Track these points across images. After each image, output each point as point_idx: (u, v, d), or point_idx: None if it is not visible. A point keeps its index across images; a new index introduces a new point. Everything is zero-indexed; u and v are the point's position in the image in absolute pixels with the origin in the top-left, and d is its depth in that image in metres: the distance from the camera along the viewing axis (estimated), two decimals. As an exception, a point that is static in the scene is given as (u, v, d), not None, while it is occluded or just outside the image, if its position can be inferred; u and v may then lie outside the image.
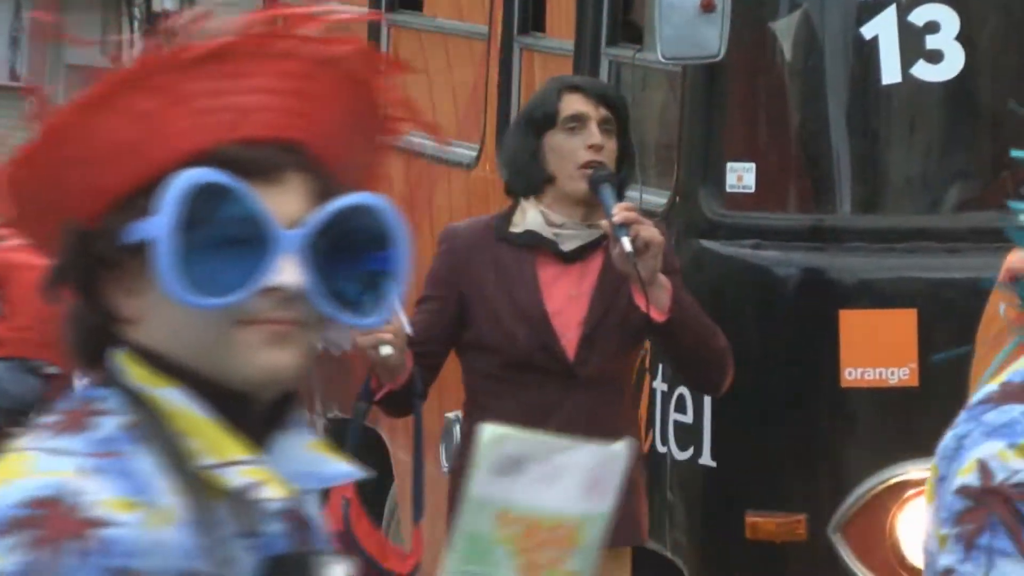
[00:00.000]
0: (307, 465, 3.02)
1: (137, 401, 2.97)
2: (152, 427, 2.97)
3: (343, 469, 3.04)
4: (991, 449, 3.11)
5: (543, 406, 6.95)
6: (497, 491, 2.93)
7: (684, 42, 7.47)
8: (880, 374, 7.32)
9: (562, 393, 7.01)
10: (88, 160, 2.95)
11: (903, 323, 7.38)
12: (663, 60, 7.73)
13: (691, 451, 7.75)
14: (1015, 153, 7.22)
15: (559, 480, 2.96)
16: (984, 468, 3.09)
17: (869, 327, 7.50)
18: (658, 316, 6.83)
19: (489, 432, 2.97)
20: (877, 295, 7.55)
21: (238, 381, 2.93)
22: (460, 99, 9.43)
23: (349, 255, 2.91)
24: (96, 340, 2.98)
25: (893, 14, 7.70)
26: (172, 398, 2.98)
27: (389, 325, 6.76)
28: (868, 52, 7.69)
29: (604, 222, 6.94)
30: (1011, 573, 3.10)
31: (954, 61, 7.70)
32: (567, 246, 7.04)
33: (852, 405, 7.57)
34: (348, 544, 7.32)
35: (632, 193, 7.78)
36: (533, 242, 7.01)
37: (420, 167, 9.26)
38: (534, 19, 8.99)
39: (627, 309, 6.94)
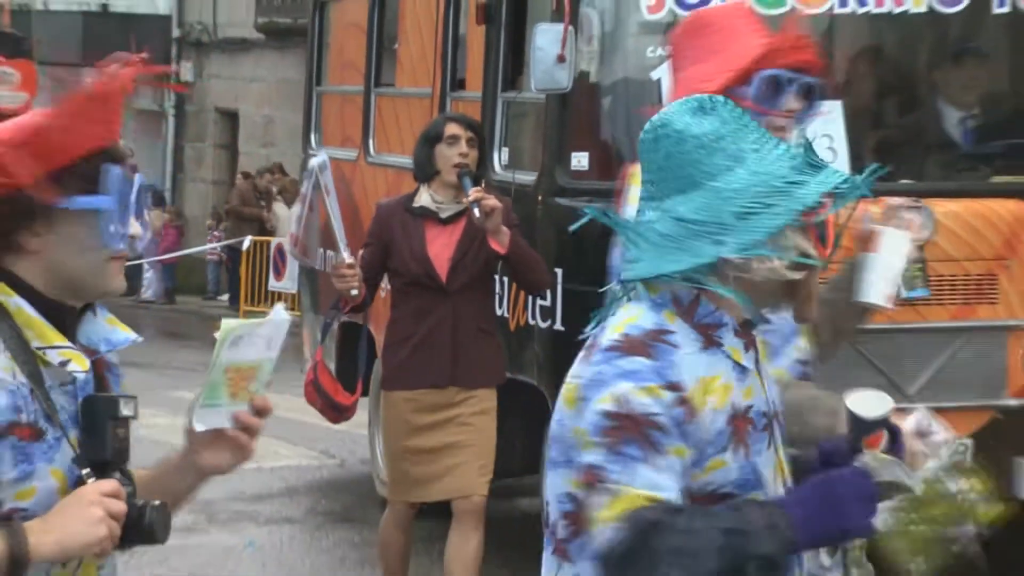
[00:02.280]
0: (105, 334, 3.25)
1: None
2: (7, 324, 3.12)
3: (126, 336, 3.28)
4: (619, 388, 3.11)
5: (428, 308, 7.90)
6: (227, 357, 3.16)
7: (547, 80, 8.17)
8: None
9: (439, 301, 7.89)
10: (59, 144, 3.16)
11: None
12: (535, 91, 8.43)
13: (548, 322, 8.48)
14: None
15: (254, 343, 3.21)
16: (620, 399, 3.10)
17: None
18: (501, 250, 7.64)
19: (224, 324, 3.20)
20: None
21: (98, 293, 3.21)
22: (418, 134, 9.32)
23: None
24: None
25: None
26: (18, 303, 3.14)
27: (355, 277, 7.74)
28: (654, 87, 8.02)
29: (465, 199, 7.69)
30: (643, 474, 3.09)
31: (706, 93, 8.63)
32: (444, 214, 7.89)
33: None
34: (315, 387, 8.41)
35: (519, 174, 8.73)
36: (424, 212, 7.88)
37: (395, 174, 10.05)
38: (459, 82, 9.74)
39: (480, 250, 7.73)
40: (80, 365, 3.14)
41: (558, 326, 8.40)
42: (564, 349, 7.70)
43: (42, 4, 28.54)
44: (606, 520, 3.08)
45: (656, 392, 3.11)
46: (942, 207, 7.97)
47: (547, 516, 3.26)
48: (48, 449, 3.09)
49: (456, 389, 7.91)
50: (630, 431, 3.09)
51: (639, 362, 3.12)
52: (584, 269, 8.18)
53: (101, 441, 3.15)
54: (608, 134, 8.68)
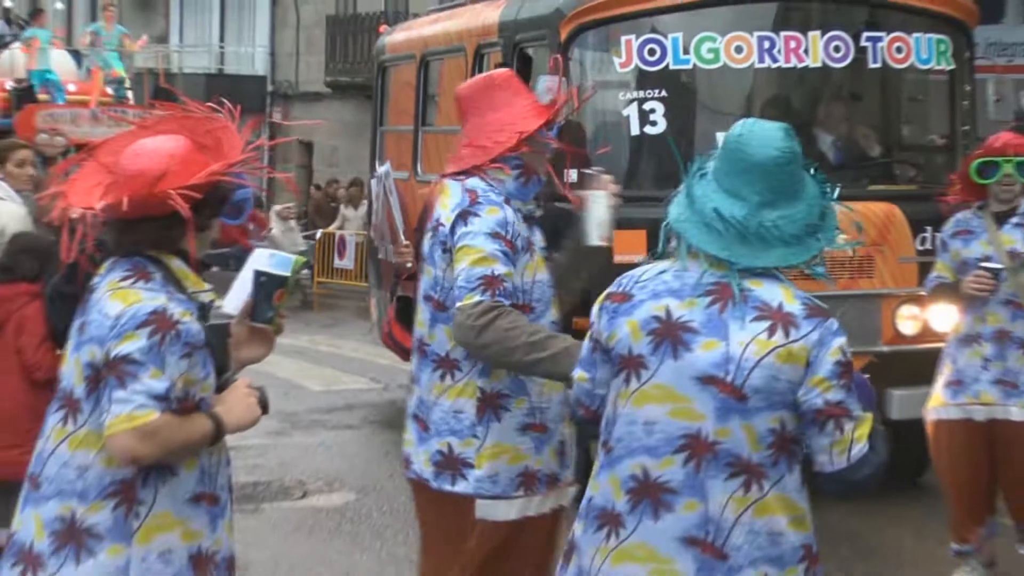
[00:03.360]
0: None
1: (153, 262, 3.28)
2: (169, 275, 3.28)
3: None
4: (841, 341, 3.10)
5: None
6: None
7: None
8: (632, 256, 7.40)
9: None
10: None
11: (639, 237, 7.72)
12: None
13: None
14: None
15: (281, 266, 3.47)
16: (843, 351, 3.09)
17: (628, 237, 7.54)
18: None
19: (293, 261, 3.51)
20: (630, 222, 7.11)
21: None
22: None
23: None
24: (152, 245, 3.26)
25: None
26: (174, 262, 3.30)
27: (409, 253, 6.94)
28: (624, 121, 8.02)
29: None
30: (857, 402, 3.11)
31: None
32: None
33: (622, 272, 8.06)
34: (389, 336, 8.15)
35: None
36: None
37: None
38: None
39: None
40: (218, 302, 3.39)
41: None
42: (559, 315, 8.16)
43: (178, 68, 28.63)
44: (861, 438, 3.11)
45: (847, 341, 3.13)
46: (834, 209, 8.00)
47: (725, 452, 3.11)
48: (208, 358, 3.27)
49: None
50: (850, 373, 3.10)
51: (835, 321, 3.12)
52: (575, 256, 8.09)
53: (225, 352, 3.35)
54: (590, 156, 8.34)
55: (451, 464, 4.04)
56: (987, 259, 6.23)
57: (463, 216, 4.06)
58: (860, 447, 3.10)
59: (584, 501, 3.24)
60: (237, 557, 3.46)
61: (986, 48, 13.12)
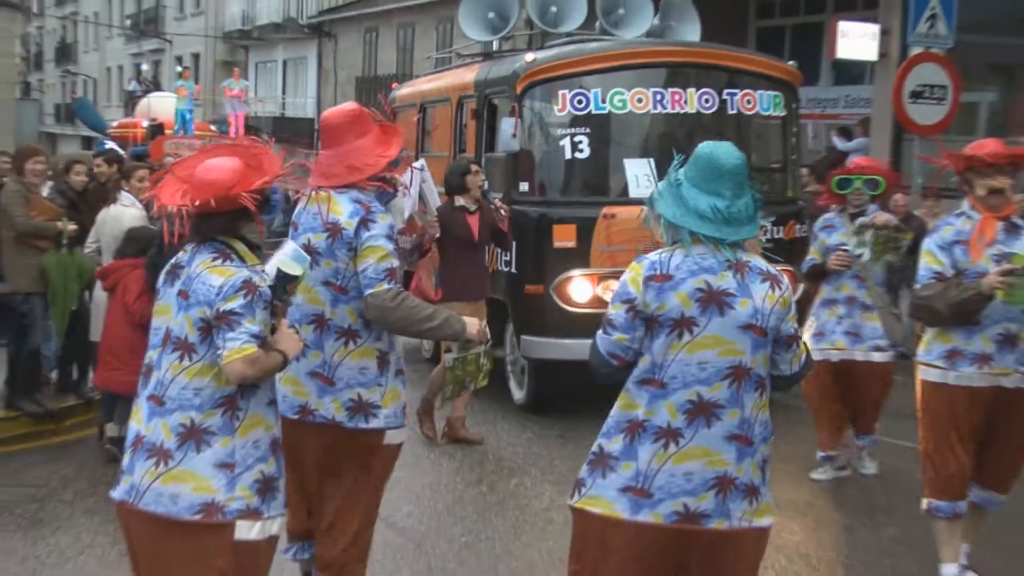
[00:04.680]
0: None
1: (227, 246, 3.20)
2: (235, 255, 3.18)
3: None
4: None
5: (466, 253, 7.17)
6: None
7: (507, 146, 7.86)
8: (565, 243, 7.65)
9: (472, 252, 7.22)
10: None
11: (571, 229, 7.65)
12: (501, 152, 8.02)
13: (509, 268, 7.98)
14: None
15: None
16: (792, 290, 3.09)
17: (563, 230, 7.74)
18: (505, 229, 7.28)
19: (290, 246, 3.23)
20: (565, 219, 7.72)
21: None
22: (443, 175, 8.70)
23: None
24: (221, 232, 3.18)
25: (567, 132, 7.92)
26: (239, 245, 3.19)
27: (436, 226, 7.02)
28: (560, 149, 7.91)
29: (491, 205, 7.24)
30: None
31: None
32: (471, 209, 7.26)
33: (559, 254, 7.65)
34: (417, 291, 7.27)
35: (494, 194, 7.82)
36: (463, 208, 7.22)
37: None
38: (462, 148, 9.06)
39: (486, 226, 7.20)
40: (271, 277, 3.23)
41: (513, 270, 8.01)
42: (517, 283, 7.93)
43: (254, 112, 28.40)
44: (804, 350, 3.16)
45: None
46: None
47: (755, 374, 3.06)
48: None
49: (481, 302, 7.33)
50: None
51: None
52: (527, 242, 7.95)
53: (285, 308, 3.29)
54: (537, 173, 8.20)
55: (362, 408, 3.78)
56: (843, 245, 6.31)
57: (364, 223, 3.72)
58: (805, 356, 3.15)
59: (626, 422, 3.08)
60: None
61: (807, 103, 13.16)
